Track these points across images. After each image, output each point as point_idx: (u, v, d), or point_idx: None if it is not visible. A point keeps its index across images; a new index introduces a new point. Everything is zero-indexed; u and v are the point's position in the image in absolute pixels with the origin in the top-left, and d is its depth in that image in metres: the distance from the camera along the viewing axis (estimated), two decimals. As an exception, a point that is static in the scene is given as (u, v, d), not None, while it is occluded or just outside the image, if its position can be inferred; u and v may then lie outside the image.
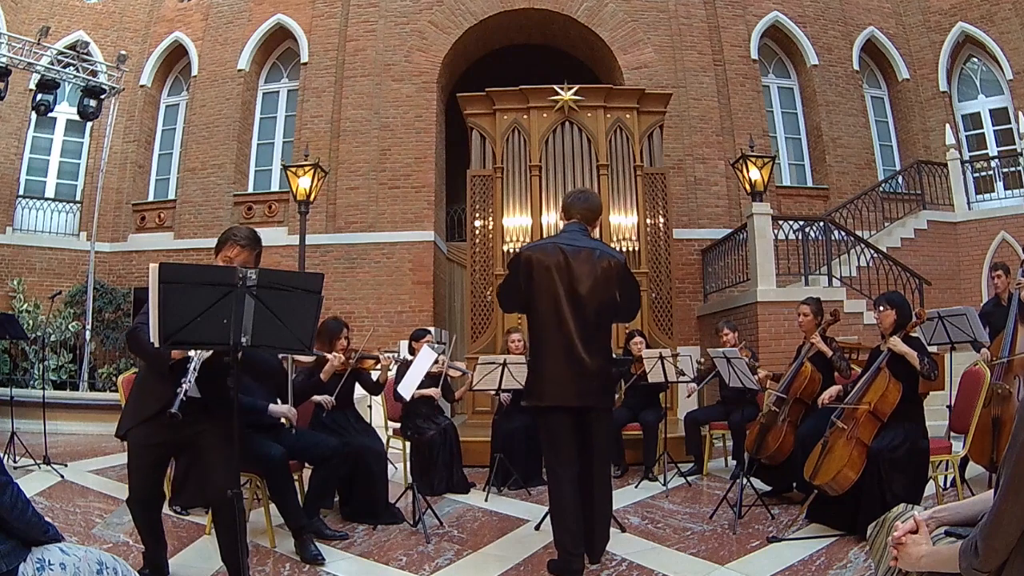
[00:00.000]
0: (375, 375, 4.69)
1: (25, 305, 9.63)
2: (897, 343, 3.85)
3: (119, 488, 4.95)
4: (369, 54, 10.71)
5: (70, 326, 9.50)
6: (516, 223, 8.02)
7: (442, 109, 10.97)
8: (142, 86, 11.28)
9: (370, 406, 5.73)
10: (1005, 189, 10.43)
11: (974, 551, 1.39)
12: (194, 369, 2.57)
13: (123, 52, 9.98)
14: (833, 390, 4.32)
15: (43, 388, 6.91)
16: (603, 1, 10.59)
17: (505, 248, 7.93)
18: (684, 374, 5.61)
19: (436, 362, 4.87)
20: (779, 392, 4.61)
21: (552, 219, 7.91)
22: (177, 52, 11.51)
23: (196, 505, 4.23)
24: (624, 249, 7.87)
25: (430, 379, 5.02)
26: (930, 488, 4.17)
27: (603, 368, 3.28)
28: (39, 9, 10.78)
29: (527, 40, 11.48)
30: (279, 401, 3.96)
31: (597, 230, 3.55)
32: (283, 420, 3.89)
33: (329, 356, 4.15)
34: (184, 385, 2.49)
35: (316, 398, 4.27)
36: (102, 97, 9.55)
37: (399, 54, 10.63)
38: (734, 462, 5.67)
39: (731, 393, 5.31)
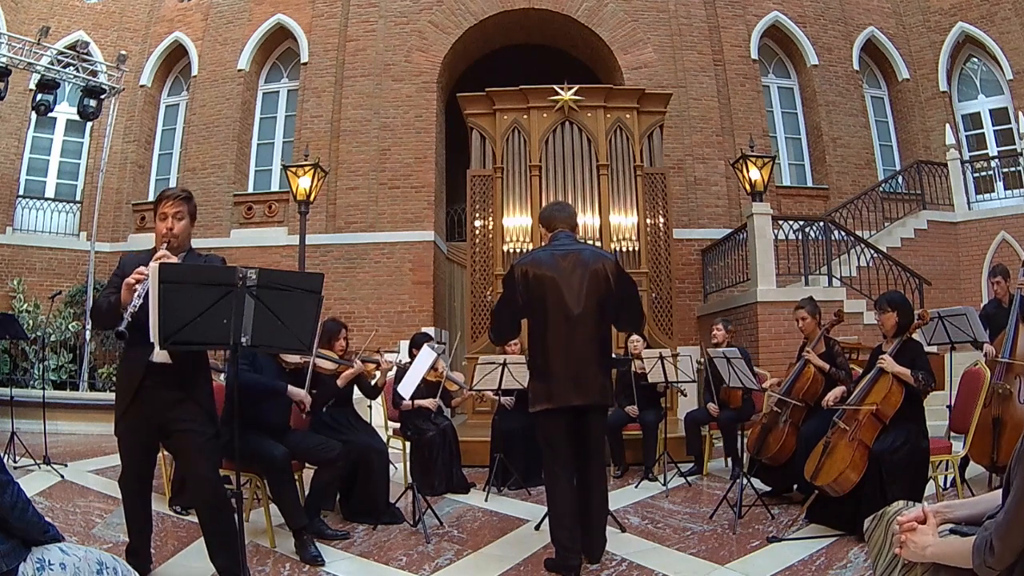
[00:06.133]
0: (376, 376, 4.68)
1: (25, 305, 9.63)
2: (889, 363, 3.77)
3: (119, 488, 4.95)
4: (369, 54, 10.70)
5: (70, 326, 9.50)
6: (516, 223, 8.01)
7: (442, 109, 10.96)
8: (142, 86, 11.28)
9: (370, 406, 5.72)
10: (1005, 189, 10.43)
11: (989, 549, 1.41)
12: (139, 295, 2.52)
13: (123, 52, 9.97)
14: (838, 391, 4.30)
15: (43, 388, 6.89)
16: (603, 1, 10.59)
17: (505, 248, 7.92)
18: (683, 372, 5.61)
19: (435, 369, 4.88)
20: (781, 394, 4.60)
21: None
22: (177, 52, 11.51)
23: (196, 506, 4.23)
24: (624, 249, 7.87)
25: (428, 388, 5.03)
26: (930, 488, 4.17)
27: (604, 367, 3.39)
28: (39, 9, 10.78)
29: (527, 40, 11.48)
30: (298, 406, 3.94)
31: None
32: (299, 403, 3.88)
33: (355, 364, 4.20)
34: (131, 307, 2.49)
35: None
36: (102, 97, 9.54)
37: (399, 54, 10.63)
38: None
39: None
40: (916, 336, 4.09)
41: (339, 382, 4.22)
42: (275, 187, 10.84)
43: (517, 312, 3.44)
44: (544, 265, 3.35)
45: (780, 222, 8.36)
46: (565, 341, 3.28)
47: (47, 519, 1.85)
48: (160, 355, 2.67)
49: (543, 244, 3.56)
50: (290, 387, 3.79)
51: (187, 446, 2.76)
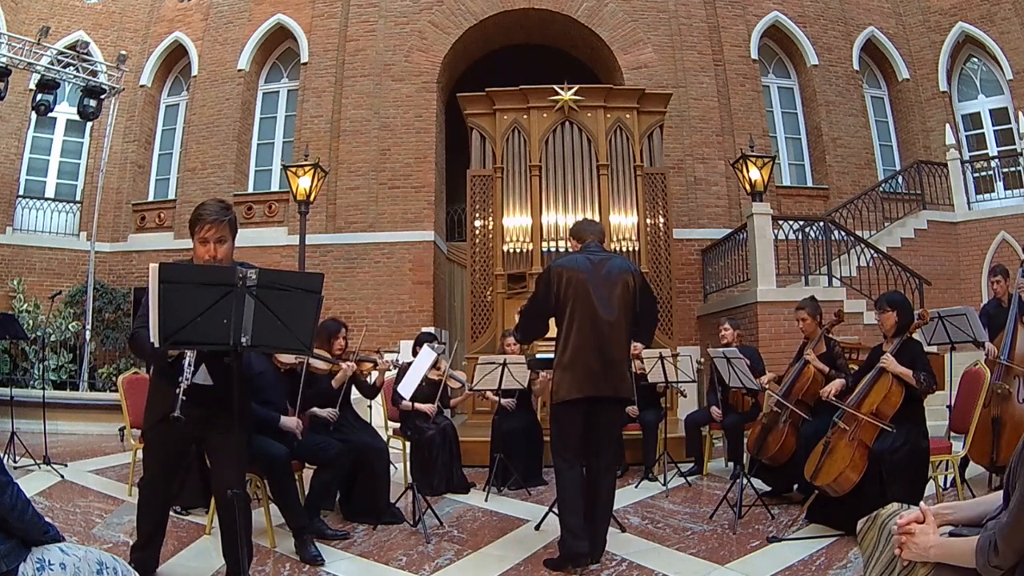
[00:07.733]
0: (373, 376, 4.68)
1: (25, 305, 9.62)
2: (891, 363, 3.77)
3: (119, 488, 4.96)
4: (369, 54, 10.70)
5: (70, 326, 9.50)
6: (516, 223, 8.01)
7: (442, 109, 10.96)
8: (142, 86, 11.27)
9: (370, 406, 5.73)
10: (1005, 189, 10.43)
11: (993, 550, 1.42)
12: (190, 364, 2.55)
13: (123, 52, 9.97)
14: (837, 384, 4.28)
15: (43, 388, 6.90)
16: (603, 1, 10.59)
17: (505, 248, 7.92)
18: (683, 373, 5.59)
19: (437, 368, 4.87)
20: (780, 395, 4.59)
21: (552, 219, 7.91)
22: (177, 52, 11.51)
23: (196, 505, 4.24)
24: (624, 249, 7.87)
25: (430, 387, 5.02)
26: (930, 488, 4.17)
27: (626, 362, 3.60)
28: (39, 9, 10.78)
29: (527, 40, 11.48)
30: (288, 409, 3.94)
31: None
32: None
33: (343, 366, 4.19)
34: (182, 384, 2.49)
35: (320, 413, 4.22)
36: (102, 97, 9.54)
37: (399, 54, 10.63)
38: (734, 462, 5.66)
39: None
40: (916, 336, 4.09)
41: (333, 383, 4.22)
42: (275, 187, 10.84)
43: (549, 311, 3.60)
44: (579, 268, 3.56)
45: (780, 222, 8.36)
46: (594, 338, 3.44)
47: (47, 519, 1.86)
48: (202, 376, 2.64)
49: (574, 251, 3.78)
50: (283, 419, 3.78)
51: (218, 450, 2.77)
